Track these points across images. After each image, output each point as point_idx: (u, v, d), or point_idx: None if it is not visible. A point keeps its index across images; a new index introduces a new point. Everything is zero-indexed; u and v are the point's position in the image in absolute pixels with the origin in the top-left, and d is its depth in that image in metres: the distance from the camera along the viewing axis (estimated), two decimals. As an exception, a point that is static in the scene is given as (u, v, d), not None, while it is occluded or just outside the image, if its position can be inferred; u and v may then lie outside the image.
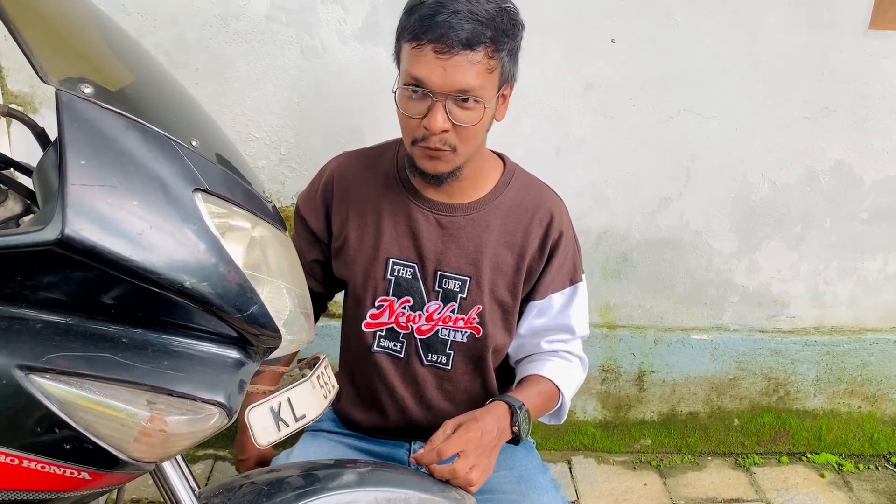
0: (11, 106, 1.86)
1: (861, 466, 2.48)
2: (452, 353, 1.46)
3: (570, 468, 2.39)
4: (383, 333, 1.46)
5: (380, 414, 1.52)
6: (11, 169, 0.98)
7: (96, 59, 0.87)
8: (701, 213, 2.23)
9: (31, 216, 0.91)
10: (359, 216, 1.44)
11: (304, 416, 0.90)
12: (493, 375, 1.51)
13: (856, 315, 2.41)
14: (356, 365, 1.53)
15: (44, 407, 0.74)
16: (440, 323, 1.44)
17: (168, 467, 0.96)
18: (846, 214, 2.26)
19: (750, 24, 2.00)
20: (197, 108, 0.97)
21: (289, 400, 0.89)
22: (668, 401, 2.45)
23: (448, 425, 1.26)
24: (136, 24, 1.88)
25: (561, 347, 1.49)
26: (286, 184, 2.09)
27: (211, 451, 2.34)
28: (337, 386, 1.00)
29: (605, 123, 2.09)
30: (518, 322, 1.49)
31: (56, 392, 0.74)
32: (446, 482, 1.19)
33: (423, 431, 1.48)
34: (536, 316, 1.47)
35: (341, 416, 1.59)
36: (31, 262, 0.74)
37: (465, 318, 1.43)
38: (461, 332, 1.44)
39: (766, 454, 2.52)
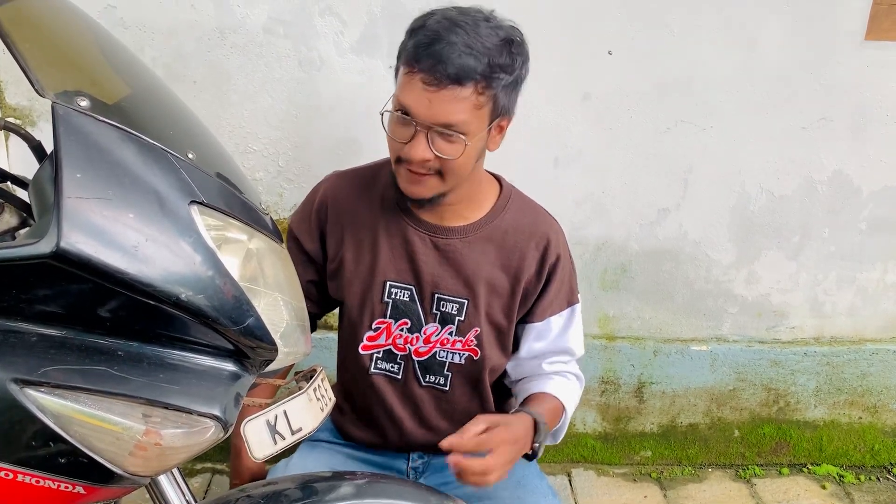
0: (8, 119, 1.86)
1: (862, 477, 2.47)
2: (450, 374, 1.45)
3: (569, 481, 2.38)
4: (380, 355, 1.45)
5: (378, 432, 1.53)
6: (8, 182, 0.98)
7: (93, 72, 0.87)
8: (699, 224, 2.23)
9: (27, 229, 0.91)
10: (355, 239, 1.43)
11: (300, 430, 0.89)
12: (490, 394, 1.51)
13: (855, 325, 2.40)
14: (353, 386, 1.53)
15: (39, 421, 0.74)
16: (438, 345, 1.43)
17: (164, 481, 0.95)
18: (844, 224, 2.26)
19: (747, 35, 2.01)
20: (194, 120, 0.97)
21: (285, 413, 0.89)
22: (668, 412, 2.44)
23: (480, 420, 1.25)
24: (135, 38, 1.89)
25: (561, 368, 1.50)
26: (284, 196, 2.09)
27: (209, 465, 2.33)
28: (334, 399, 1.00)
29: (603, 134, 2.09)
30: (517, 344, 1.49)
31: (51, 406, 0.74)
32: (444, 494, 1.18)
33: (421, 447, 1.50)
34: (535, 339, 1.47)
35: (339, 430, 1.59)
36: (27, 275, 0.74)
37: (463, 340, 1.43)
38: (459, 354, 1.44)
39: (767, 465, 2.50)
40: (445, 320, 1.42)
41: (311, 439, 1.56)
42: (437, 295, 1.41)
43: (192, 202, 0.80)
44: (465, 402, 1.49)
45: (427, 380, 1.46)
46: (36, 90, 0.74)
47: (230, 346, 0.83)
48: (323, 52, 1.95)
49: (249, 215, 0.88)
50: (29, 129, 1.95)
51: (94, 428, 0.75)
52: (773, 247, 2.27)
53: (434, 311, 1.42)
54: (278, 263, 0.93)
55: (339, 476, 1.17)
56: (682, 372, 2.38)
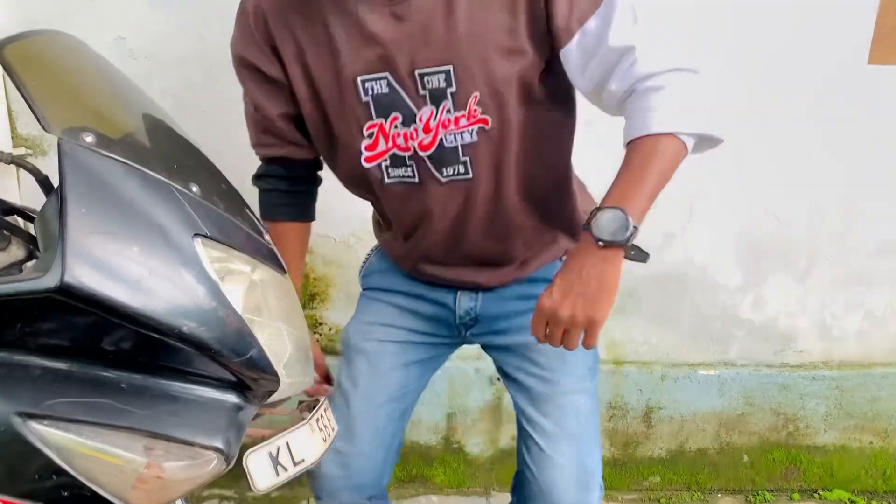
0: (15, 154, 1.88)
1: (874, 503, 2.44)
2: (468, 158, 1.23)
3: (578, 507, 2.36)
4: (389, 163, 1.26)
5: (418, 244, 1.35)
6: (15, 215, 0.99)
7: (99, 107, 0.89)
8: (705, 248, 2.22)
9: (33, 262, 0.92)
10: (311, 40, 1.23)
11: (302, 461, 0.90)
12: (528, 176, 1.29)
13: (864, 349, 2.39)
14: (377, 204, 1.39)
15: (42, 454, 0.74)
16: (440, 129, 1.21)
17: (168, 512, 0.95)
18: (851, 247, 2.25)
19: (750, 59, 2.02)
20: (198, 153, 0.98)
21: (287, 444, 0.89)
22: (677, 437, 2.42)
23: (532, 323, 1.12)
24: (144, 69, 1.92)
25: (630, 80, 1.15)
26: (291, 222, 2.10)
27: (216, 491, 2.32)
28: (336, 428, 1.00)
29: (607, 160, 2.08)
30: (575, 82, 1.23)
31: (54, 439, 0.75)
32: None
33: (473, 261, 1.35)
34: (581, 64, 1.18)
35: (386, 248, 1.48)
36: (32, 309, 0.75)
37: (465, 113, 1.20)
38: (467, 131, 1.21)
39: (777, 491, 2.48)
40: (437, 98, 1.19)
41: (369, 287, 1.50)
42: (416, 72, 1.18)
43: (196, 235, 0.81)
44: (497, 187, 1.27)
45: (446, 174, 1.25)
46: (42, 126, 0.76)
47: (233, 378, 0.84)
48: (329, 80, 1.97)
49: (252, 247, 0.89)
50: (40, 159, 1.98)
51: (97, 461, 0.75)
52: (780, 270, 2.26)
53: (421, 92, 1.19)
54: (281, 294, 0.94)
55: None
56: (690, 397, 2.37)
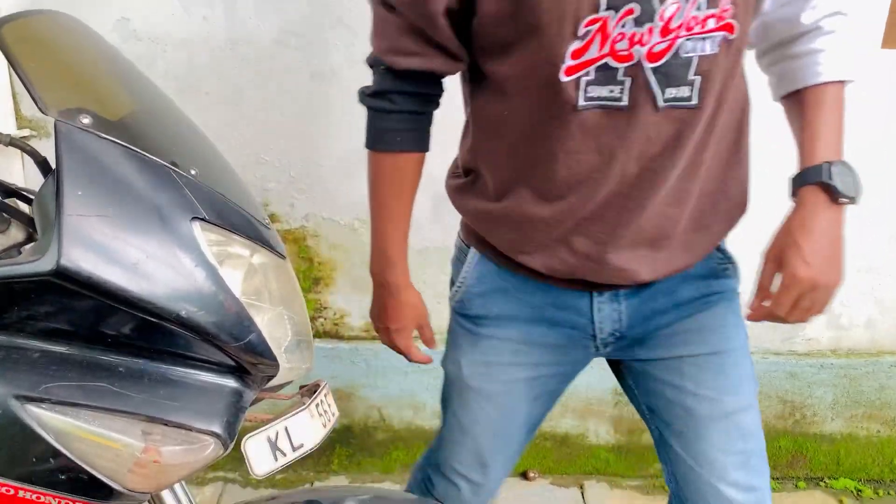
0: (19, 135, 1.88)
1: (881, 492, 2.43)
2: (699, 78, 0.95)
3: (582, 493, 2.36)
4: (592, 77, 0.93)
5: (582, 204, 1.02)
6: (14, 198, 0.99)
7: (97, 89, 0.88)
8: (713, 235, 2.20)
9: (32, 244, 0.92)
10: None
11: (301, 446, 0.89)
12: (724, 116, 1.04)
13: (873, 337, 2.37)
14: (534, 143, 1.01)
15: (40, 437, 0.74)
16: (683, 32, 0.91)
17: (167, 496, 0.95)
18: (861, 236, 2.23)
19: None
20: (199, 136, 0.97)
21: (286, 429, 0.89)
22: (682, 424, 2.41)
23: (769, 258, 1.01)
24: (147, 50, 1.90)
25: (820, 13, 1.02)
26: (295, 206, 2.10)
27: (220, 474, 2.33)
28: (337, 413, 0.99)
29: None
30: None
31: (52, 422, 0.75)
32: None
33: (642, 238, 1.05)
34: None
35: (511, 223, 1.11)
36: (29, 292, 0.75)
37: (717, 12, 0.91)
38: (710, 38, 0.92)
39: (783, 479, 2.47)
40: None
41: (470, 315, 1.21)
42: None
43: (194, 218, 0.80)
44: (708, 128, 1.00)
45: (668, 96, 0.95)
46: (39, 108, 0.75)
47: (232, 363, 0.83)
48: (334, 62, 1.95)
49: (252, 231, 0.88)
50: (44, 141, 1.98)
51: (94, 444, 0.75)
52: (789, 258, 2.24)
53: None
54: (282, 278, 0.93)
55: (346, 489, 1.17)
56: (696, 384, 2.36)
